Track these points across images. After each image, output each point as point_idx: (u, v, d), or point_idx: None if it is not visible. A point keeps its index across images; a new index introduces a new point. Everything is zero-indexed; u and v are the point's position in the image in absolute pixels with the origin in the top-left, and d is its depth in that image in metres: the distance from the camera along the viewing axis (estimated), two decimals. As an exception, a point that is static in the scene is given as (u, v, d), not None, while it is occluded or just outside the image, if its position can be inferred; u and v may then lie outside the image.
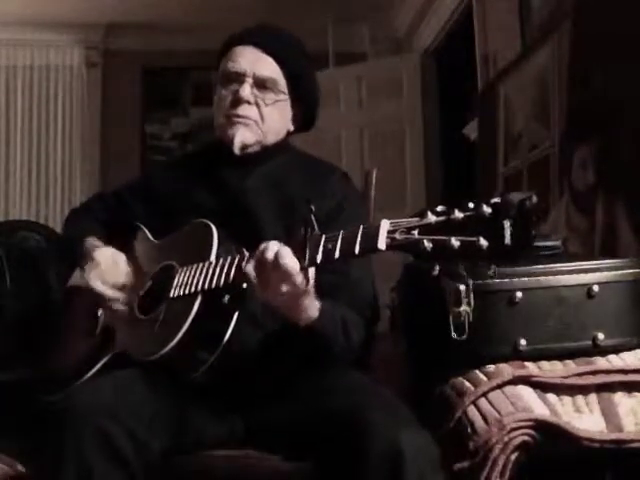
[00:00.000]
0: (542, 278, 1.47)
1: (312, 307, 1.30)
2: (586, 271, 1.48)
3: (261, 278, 1.22)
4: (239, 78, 1.52)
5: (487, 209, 0.99)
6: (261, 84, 1.52)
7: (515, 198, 0.99)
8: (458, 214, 1.01)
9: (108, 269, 1.49)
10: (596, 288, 1.46)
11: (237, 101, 1.51)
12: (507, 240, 0.98)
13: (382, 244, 1.07)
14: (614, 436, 1.34)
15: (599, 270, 1.48)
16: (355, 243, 1.11)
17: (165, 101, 5.10)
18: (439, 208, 1.04)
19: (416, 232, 1.04)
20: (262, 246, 1.22)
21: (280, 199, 1.51)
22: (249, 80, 1.51)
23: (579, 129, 2.58)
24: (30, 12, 4.59)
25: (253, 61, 1.52)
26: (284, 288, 1.20)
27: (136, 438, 1.24)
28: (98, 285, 1.48)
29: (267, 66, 1.53)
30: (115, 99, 5.02)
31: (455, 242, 1.00)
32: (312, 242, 1.17)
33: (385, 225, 1.08)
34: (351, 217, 1.46)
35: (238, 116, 1.51)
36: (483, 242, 0.99)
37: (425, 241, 1.03)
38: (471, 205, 1.01)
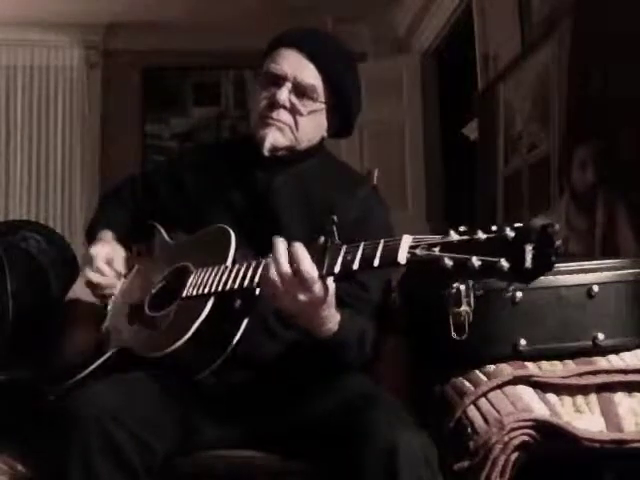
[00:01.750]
0: (542, 278, 1.46)
1: (332, 320, 1.29)
2: (586, 271, 1.48)
3: (281, 284, 1.19)
4: (279, 81, 1.50)
5: (510, 232, 1.00)
6: (300, 90, 1.50)
7: (537, 223, 1.00)
8: (481, 235, 1.02)
9: (101, 260, 1.52)
10: (596, 288, 1.46)
11: (273, 104, 1.50)
12: (528, 264, 0.98)
13: (402, 259, 1.06)
14: (614, 436, 1.34)
15: (599, 270, 1.48)
16: (375, 256, 1.10)
17: (165, 101, 5.10)
18: (462, 228, 1.04)
19: (437, 249, 1.04)
20: (280, 249, 1.20)
21: (304, 202, 1.51)
22: (288, 85, 1.50)
23: (579, 129, 2.58)
24: (30, 12, 4.59)
25: (295, 66, 1.50)
26: (302, 296, 1.19)
27: (141, 442, 1.24)
28: (89, 275, 1.51)
29: (309, 72, 1.50)
30: (115, 99, 5.02)
31: (476, 261, 1.00)
32: (332, 251, 1.16)
33: (407, 240, 1.07)
34: (373, 230, 1.43)
35: (272, 119, 1.50)
36: (504, 264, 0.99)
37: (446, 259, 1.02)
38: (494, 227, 1.02)
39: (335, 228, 1.17)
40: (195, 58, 4.86)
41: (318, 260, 1.17)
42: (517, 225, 1.01)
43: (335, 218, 1.18)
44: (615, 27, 2.37)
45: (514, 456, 1.32)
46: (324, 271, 1.16)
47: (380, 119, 4.48)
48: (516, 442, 1.32)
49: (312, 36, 1.58)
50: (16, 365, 1.77)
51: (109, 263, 1.52)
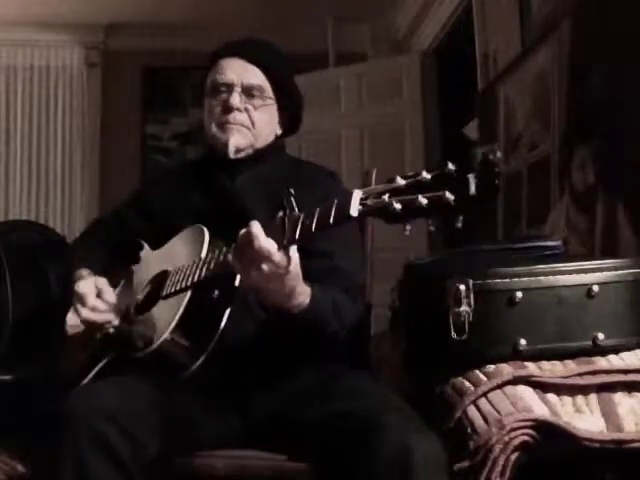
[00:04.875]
0: (542, 278, 1.47)
1: (302, 293, 1.32)
2: (586, 271, 1.48)
3: (241, 262, 1.25)
4: (228, 88, 1.60)
5: (452, 166, 1.04)
6: (249, 91, 1.59)
7: (478, 152, 1.04)
8: (425, 175, 1.06)
9: (92, 296, 1.49)
10: (596, 288, 1.46)
11: (228, 109, 1.59)
12: (472, 191, 1.02)
13: (354, 211, 1.10)
14: (614, 436, 1.34)
15: (599, 270, 1.48)
16: (330, 214, 1.14)
17: (165, 101, 5.10)
18: (409, 173, 1.09)
19: (386, 196, 1.08)
20: (242, 231, 1.25)
21: (269, 196, 1.53)
22: (237, 89, 1.59)
23: (579, 129, 2.58)
24: (30, 12, 4.59)
25: (240, 71, 1.60)
26: (265, 268, 1.22)
27: (135, 440, 1.24)
28: (84, 314, 1.48)
29: (253, 74, 1.60)
30: (115, 99, 5.02)
31: (423, 199, 1.04)
32: (291, 221, 1.20)
33: (357, 194, 1.11)
34: None
35: (230, 122, 1.59)
36: (449, 196, 1.02)
37: (394, 202, 1.06)
38: (438, 164, 1.06)
39: (293, 199, 1.21)
40: (195, 58, 4.85)
41: (279, 231, 1.20)
42: (459, 158, 1.05)
43: (292, 190, 1.22)
44: (615, 27, 2.37)
45: (514, 456, 1.31)
46: (285, 240, 1.20)
47: (380, 119, 4.49)
48: (516, 442, 1.32)
49: (250, 43, 1.67)
50: (16, 365, 1.77)
51: (99, 296, 1.49)
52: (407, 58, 4.66)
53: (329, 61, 4.81)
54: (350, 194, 1.12)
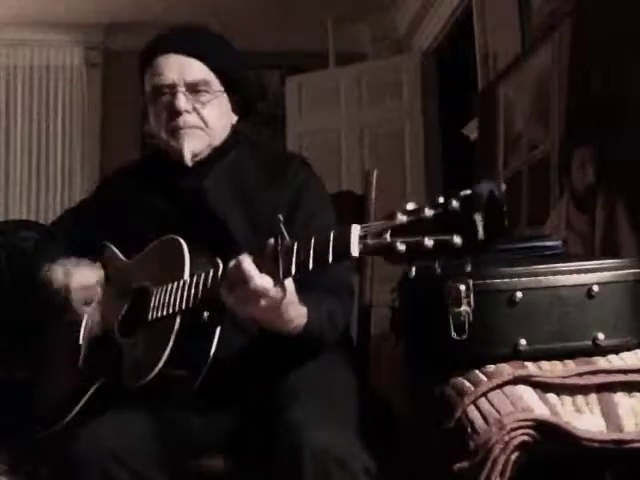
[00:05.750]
0: (542, 278, 1.47)
1: (299, 316, 1.29)
2: (586, 271, 1.47)
3: (235, 298, 1.20)
4: (170, 90, 1.47)
5: (456, 204, 0.98)
6: (194, 88, 1.47)
7: (484, 190, 0.98)
8: (428, 212, 0.99)
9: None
10: (596, 288, 1.46)
11: (175, 113, 1.47)
12: (480, 235, 0.97)
13: (355, 251, 1.04)
14: (614, 436, 1.34)
15: (599, 270, 1.48)
16: (328, 252, 1.08)
17: (165, 101, 5.10)
18: (409, 207, 1.02)
19: (388, 235, 1.02)
20: (231, 265, 1.19)
21: (240, 194, 1.49)
22: (181, 89, 1.46)
23: (579, 129, 2.58)
24: (30, 12, 4.59)
25: (179, 69, 1.47)
26: (262, 303, 1.18)
27: (143, 477, 1.23)
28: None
29: (195, 69, 1.47)
30: (115, 99, 5.01)
31: (429, 241, 0.98)
32: (284, 253, 1.13)
33: (356, 230, 1.05)
34: (312, 205, 1.46)
35: (180, 127, 1.47)
36: (457, 239, 0.97)
37: (398, 243, 1.00)
38: (441, 200, 0.99)
39: (283, 227, 1.14)
40: (195, 58, 4.85)
41: (273, 264, 1.14)
42: (463, 194, 0.98)
43: (281, 217, 1.15)
44: (615, 28, 2.37)
45: (514, 456, 1.31)
46: (280, 275, 1.14)
47: (380, 119, 4.49)
48: (516, 442, 1.32)
49: (182, 33, 1.54)
50: (16, 365, 1.77)
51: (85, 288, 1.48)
52: (407, 58, 4.66)
53: (329, 61, 4.81)
54: (348, 230, 1.05)
